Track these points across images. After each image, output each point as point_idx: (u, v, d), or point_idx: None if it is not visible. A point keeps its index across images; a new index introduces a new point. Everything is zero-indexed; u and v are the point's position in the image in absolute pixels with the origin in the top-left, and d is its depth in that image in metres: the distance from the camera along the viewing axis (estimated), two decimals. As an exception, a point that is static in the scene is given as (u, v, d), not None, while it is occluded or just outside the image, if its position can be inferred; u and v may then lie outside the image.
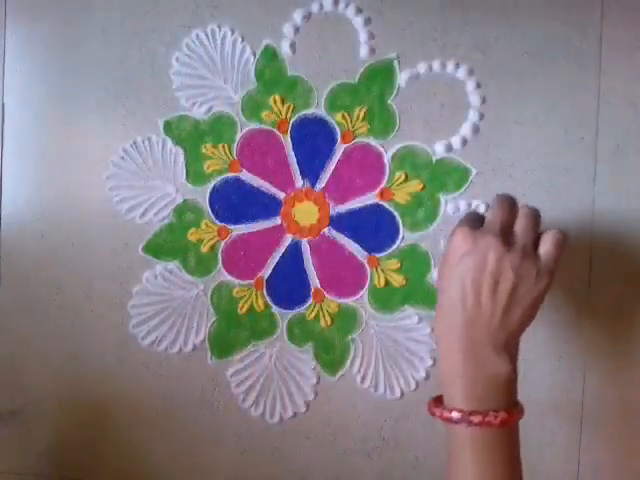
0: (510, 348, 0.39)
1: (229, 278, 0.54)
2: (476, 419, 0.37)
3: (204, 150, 0.54)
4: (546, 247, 0.40)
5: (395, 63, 0.52)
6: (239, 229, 0.54)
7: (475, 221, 0.41)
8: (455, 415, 0.38)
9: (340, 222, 0.53)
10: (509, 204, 0.42)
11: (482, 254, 0.39)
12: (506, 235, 0.40)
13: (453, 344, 0.39)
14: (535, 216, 0.41)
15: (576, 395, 0.52)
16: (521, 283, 0.38)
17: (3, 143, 0.56)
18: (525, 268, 0.38)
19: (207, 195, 0.54)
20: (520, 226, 0.40)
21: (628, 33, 0.50)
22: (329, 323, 0.54)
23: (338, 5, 0.52)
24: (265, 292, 0.54)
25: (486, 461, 0.38)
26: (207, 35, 0.53)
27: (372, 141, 0.52)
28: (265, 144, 0.53)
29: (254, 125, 0.53)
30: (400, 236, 0.53)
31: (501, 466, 0.38)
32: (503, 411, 0.37)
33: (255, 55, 0.53)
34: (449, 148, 0.52)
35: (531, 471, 0.54)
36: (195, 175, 0.54)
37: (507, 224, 0.40)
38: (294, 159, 0.53)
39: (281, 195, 0.54)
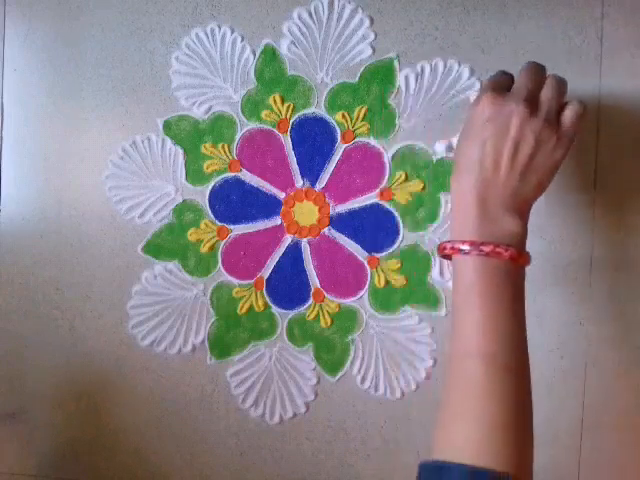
0: (522, 212, 0.40)
1: (229, 278, 0.54)
2: (487, 248, 0.38)
3: (204, 150, 0.54)
4: (567, 117, 0.41)
5: (395, 62, 0.52)
6: (239, 229, 0.54)
7: (501, 86, 0.42)
8: (465, 247, 0.39)
9: (340, 222, 0.53)
10: (537, 72, 0.42)
11: (506, 119, 0.40)
12: (531, 102, 0.40)
13: (468, 200, 0.40)
14: (561, 85, 0.42)
15: (578, 394, 0.52)
16: (540, 150, 0.40)
17: (2, 143, 0.56)
18: (545, 135, 0.40)
19: (207, 195, 0.54)
20: (545, 94, 0.41)
21: (628, 33, 0.50)
22: (329, 323, 0.53)
23: (338, 4, 0.52)
24: (265, 292, 0.54)
25: (492, 295, 0.38)
26: (207, 34, 0.53)
27: (372, 141, 0.52)
28: (265, 144, 0.53)
29: (254, 125, 0.53)
30: (400, 236, 0.53)
31: (506, 303, 0.38)
32: (513, 248, 0.39)
33: (255, 55, 0.53)
34: (449, 148, 0.51)
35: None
36: (195, 175, 0.54)
37: (533, 91, 0.41)
38: (294, 159, 0.53)
39: (281, 195, 0.54)
